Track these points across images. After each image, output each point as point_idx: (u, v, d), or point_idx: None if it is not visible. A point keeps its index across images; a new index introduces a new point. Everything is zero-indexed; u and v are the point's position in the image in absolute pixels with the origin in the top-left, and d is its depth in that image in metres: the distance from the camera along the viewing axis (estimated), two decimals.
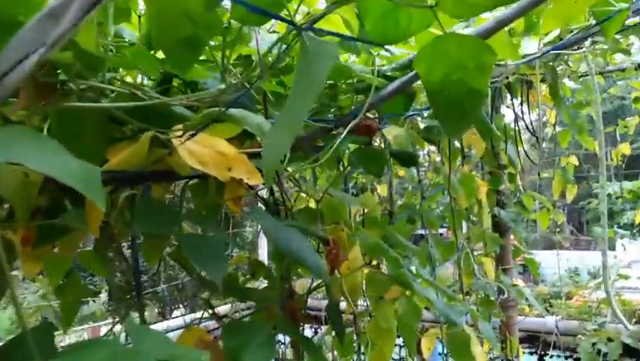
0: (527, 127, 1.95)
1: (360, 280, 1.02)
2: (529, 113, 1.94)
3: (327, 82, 0.99)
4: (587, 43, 1.11)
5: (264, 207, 1.02)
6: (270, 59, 0.68)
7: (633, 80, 3.35)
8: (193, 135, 0.68)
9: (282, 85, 0.90)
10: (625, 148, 3.49)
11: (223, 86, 0.62)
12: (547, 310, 4.30)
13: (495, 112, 2.15)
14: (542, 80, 3.25)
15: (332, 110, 1.00)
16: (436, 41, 0.65)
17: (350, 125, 0.85)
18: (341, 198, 0.98)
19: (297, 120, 0.48)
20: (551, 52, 1.09)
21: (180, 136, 0.72)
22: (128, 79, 0.93)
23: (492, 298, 1.98)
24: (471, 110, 0.69)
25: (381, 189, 2.56)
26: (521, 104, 1.91)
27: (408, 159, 0.98)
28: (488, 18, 0.82)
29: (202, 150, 0.75)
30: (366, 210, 1.46)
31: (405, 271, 0.88)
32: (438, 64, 0.67)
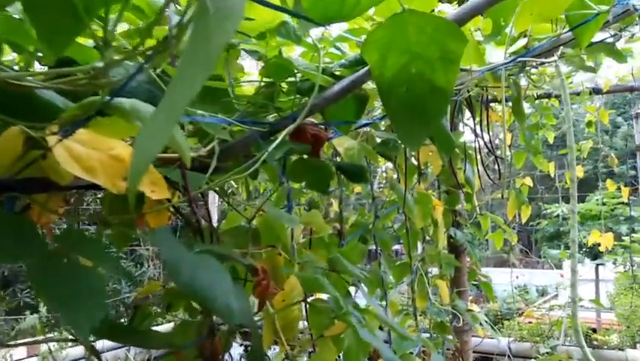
0: (486, 146, 1.84)
1: (297, 314, 0.85)
2: (487, 133, 1.84)
3: (265, 80, 0.82)
4: (557, 54, 0.99)
5: (184, 225, 0.84)
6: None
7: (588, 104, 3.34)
8: (67, 133, 0.50)
9: None
10: (578, 171, 3.48)
11: (101, 63, 0.44)
12: (500, 331, 4.23)
13: (453, 129, 2.04)
14: (497, 101, 3.20)
15: (269, 112, 0.83)
16: (393, 21, 0.49)
17: (287, 130, 0.68)
18: (276, 216, 0.81)
19: (178, 107, 0.31)
20: (520, 60, 0.96)
21: (56, 133, 0.53)
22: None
23: (446, 323, 1.84)
24: (434, 113, 0.53)
25: (337, 206, 2.41)
26: (480, 122, 1.80)
27: (356, 174, 0.83)
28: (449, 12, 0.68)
29: (89, 154, 0.57)
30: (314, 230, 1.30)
31: (348, 310, 0.72)
32: (393, 51, 0.51)
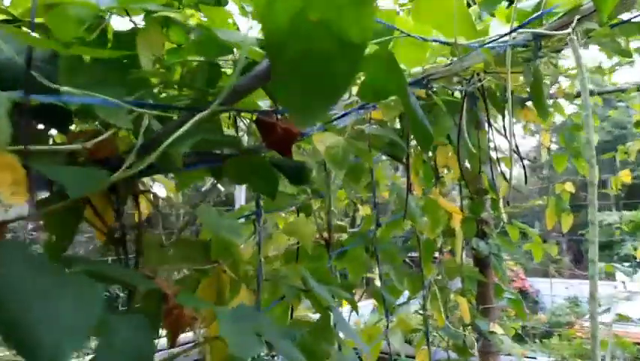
0: (511, 148, 1.62)
1: None
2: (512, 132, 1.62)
3: (193, 58, 0.67)
4: (572, 25, 0.79)
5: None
6: None
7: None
8: None
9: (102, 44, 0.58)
10: (625, 176, 3.14)
11: None
12: (545, 346, 3.90)
13: (477, 127, 1.83)
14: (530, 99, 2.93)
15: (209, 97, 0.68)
16: None
17: (198, 116, 0.53)
18: (211, 226, 0.65)
19: None
20: (523, 31, 0.77)
21: None
22: None
23: (461, 345, 1.63)
24: (342, 79, 0.37)
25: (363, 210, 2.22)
26: (503, 118, 1.59)
27: (295, 174, 0.66)
28: None
29: None
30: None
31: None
32: None
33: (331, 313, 0.85)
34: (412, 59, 0.95)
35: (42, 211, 0.62)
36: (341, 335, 0.89)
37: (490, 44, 0.86)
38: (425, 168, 1.85)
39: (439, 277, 1.65)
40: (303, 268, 0.84)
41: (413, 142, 1.78)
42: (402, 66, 0.96)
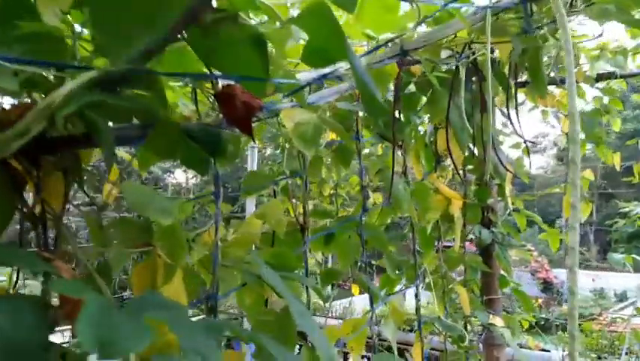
0: (515, 132, 1.50)
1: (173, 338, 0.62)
2: (516, 115, 1.50)
3: None
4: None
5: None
6: None
7: None
8: None
9: None
10: None
11: None
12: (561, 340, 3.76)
13: (484, 108, 1.71)
14: (554, 83, 2.78)
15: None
16: None
17: (90, 74, 0.45)
18: (139, 205, 0.58)
19: None
20: None
21: None
22: None
23: (459, 337, 1.54)
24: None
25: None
26: (507, 100, 1.47)
27: (211, 144, 0.58)
28: None
29: None
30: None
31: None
32: None
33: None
34: (380, 22, 0.85)
35: None
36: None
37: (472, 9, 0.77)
38: (426, 152, 1.75)
39: (440, 267, 1.56)
40: (255, 253, 0.76)
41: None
42: (369, 32, 0.87)
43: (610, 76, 2.52)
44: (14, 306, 0.44)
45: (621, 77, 2.66)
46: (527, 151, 2.36)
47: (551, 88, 2.72)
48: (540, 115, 3.06)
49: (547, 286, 13.04)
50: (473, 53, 1.08)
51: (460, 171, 1.79)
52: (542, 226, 2.16)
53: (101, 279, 0.57)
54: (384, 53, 0.90)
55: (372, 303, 1.21)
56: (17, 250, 0.52)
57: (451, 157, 1.33)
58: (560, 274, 12.46)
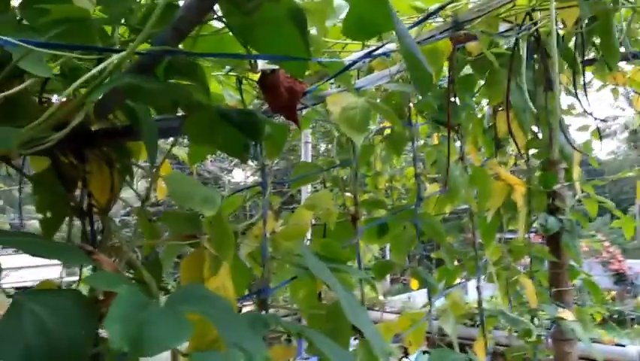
0: (585, 110, 1.38)
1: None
2: (585, 94, 1.38)
3: None
4: None
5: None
6: None
7: None
8: None
9: None
10: None
11: None
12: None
13: (549, 87, 1.58)
14: (626, 58, 2.58)
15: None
16: None
17: (115, 58, 0.43)
18: (181, 195, 0.56)
19: None
20: None
21: None
22: None
23: (530, 331, 1.44)
24: None
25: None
26: (574, 74, 1.35)
27: (248, 126, 0.54)
28: None
29: None
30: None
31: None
32: None
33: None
34: None
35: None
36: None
37: None
38: (485, 138, 1.66)
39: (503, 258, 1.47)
40: (305, 244, 0.73)
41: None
42: (418, 3, 0.81)
43: None
44: (62, 302, 0.42)
45: None
46: (598, 133, 2.19)
47: (622, 64, 2.53)
48: (609, 96, 2.86)
49: (620, 277, 12.28)
50: (535, 24, 0.99)
51: (524, 156, 1.69)
52: (615, 213, 2.00)
53: (149, 272, 0.56)
54: (435, 28, 0.83)
55: (429, 296, 1.15)
56: (61, 243, 0.52)
57: (515, 141, 1.24)
58: (634, 265, 11.69)
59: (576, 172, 1.75)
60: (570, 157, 1.59)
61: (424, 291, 1.27)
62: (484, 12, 0.79)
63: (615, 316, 8.39)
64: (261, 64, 0.74)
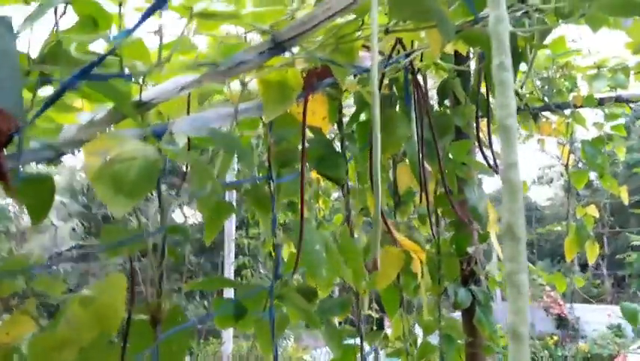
0: (486, 161, 1.15)
1: None
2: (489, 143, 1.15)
3: None
4: None
5: None
6: None
7: None
8: None
9: None
10: None
11: None
12: None
13: (460, 135, 1.34)
14: (549, 109, 2.46)
15: None
16: None
17: None
18: None
19: None
20: None
21: None
22: None
23: None
24: None
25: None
26: (477, 118, 1.12)
27: None
28: None
29: None
30: None
31: None
32: None
33: None
34: None
35: None
36: None
37: None
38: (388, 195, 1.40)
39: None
40: None
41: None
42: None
43: (611, 100, 2.18)
44: None
45: (624, 100, 2.31)
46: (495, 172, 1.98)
47: (547, 114, 2.41)
48: (538, 145, 2.74)
49: (561, 322, 12.32)
50: (408, 56, 0.74)
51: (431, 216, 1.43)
52: (541, 274, 1.78)
53: None
54: (250, 47, 0.56)
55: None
56: None
57: (427, 199, 0.98)
58: (576, 309, 11.76)
59: (493, 232, 1.52)
60: (483, 217, 1.34)
61: None
62: (307, 28, 0.52)
63: None
64: None
